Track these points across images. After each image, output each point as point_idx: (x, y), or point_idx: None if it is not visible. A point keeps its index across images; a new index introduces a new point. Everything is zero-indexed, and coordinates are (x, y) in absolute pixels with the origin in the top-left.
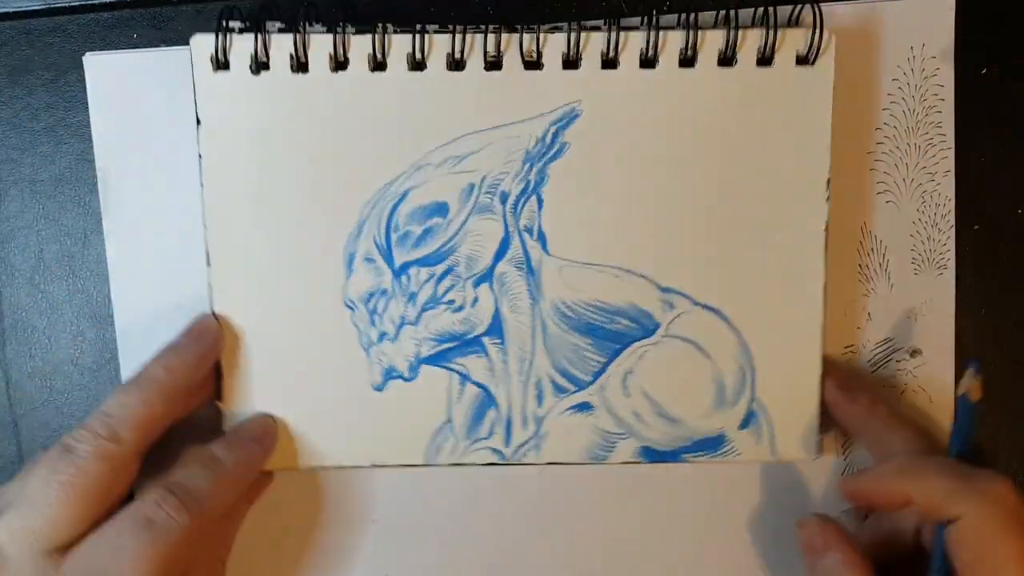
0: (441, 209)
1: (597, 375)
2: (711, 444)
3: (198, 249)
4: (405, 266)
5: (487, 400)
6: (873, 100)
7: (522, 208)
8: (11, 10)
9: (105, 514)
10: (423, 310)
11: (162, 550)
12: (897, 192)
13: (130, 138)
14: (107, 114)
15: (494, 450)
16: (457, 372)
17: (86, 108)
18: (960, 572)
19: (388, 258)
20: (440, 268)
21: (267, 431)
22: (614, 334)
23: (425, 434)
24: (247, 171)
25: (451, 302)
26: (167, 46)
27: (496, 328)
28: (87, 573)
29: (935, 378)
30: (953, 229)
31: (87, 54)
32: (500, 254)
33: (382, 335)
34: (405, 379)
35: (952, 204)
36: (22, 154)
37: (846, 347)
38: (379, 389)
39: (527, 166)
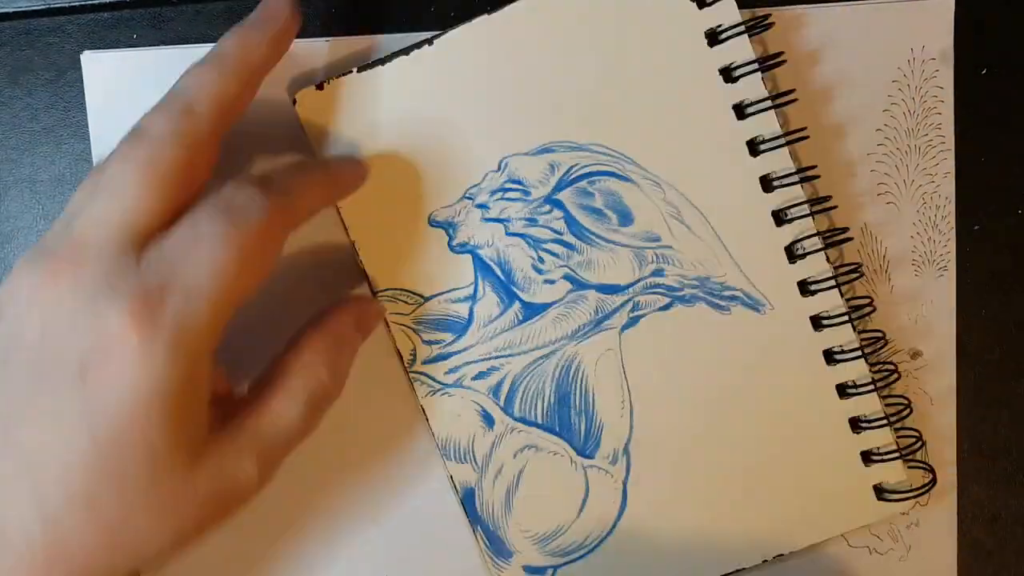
0: (626, 217)
1: (519, 420)
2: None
3: None
4: (558, 204)
5: (459, 328)
6: (873, 102)
7: (642, 312)
8: (11, 10)
9: (186, 202)
10: (523, 237)
11: (242, 234)
12: (897, 193)
13: None
14: (106, 114)
15: (414, 351)
16: (476, 288)
17: (86, 108)
18: None
19: (559, 186)
20: (569, 238)
21: (359, 162)
22: (566, 423)
23: (404, 282)
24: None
25: (540, 260)
26: (167, 46)
27: (531, 311)
28: (170, 259)
29: (936, 379)
30: (953, 230)
31: (85, 52)
32: (602, 288)
33: (483, 205)
34: (449, 244)
35: (952, 205)
36: (22, 154)
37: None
38: (431, 223)
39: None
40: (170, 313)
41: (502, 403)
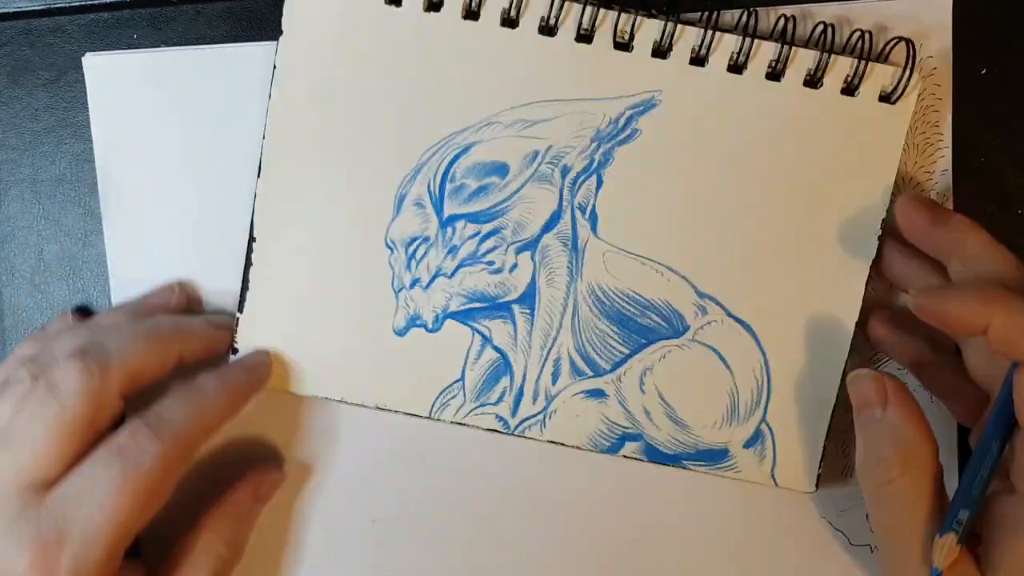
0: (501, 170)
1: (617, 365)
2: (713, 456)
3: (198, 248)
4: (453, 218)
5: (503, 367)
6: None
7: (580, 185)
8: (11, 10)
9: (88, 449)
10: (461, 265)
11: (135, 479)
12: (896, 191)
13: (130, 138)
14: (107, 114)
15: (499, 417)
16: (480, 333)
17: (86, 108)
18: (1021, 418)
19: (438, 207)
20: (487, 227)
21: (260, 363)
22: (643, 328)
23: (435, 387)
24: (319, 91)
25: (490, 263)
26: (167, 46)
27: (528, 298)
28: (67, 506)
29: None
30: None
31: (86, 54)
32: (548, 226)
33: (415, 281)
34: (428, 329)
35: (951, 204)
36: (22, 154)
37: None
38: (400, 334)
39: (594, 145)
40: (67, 559)
41: (589, 372)
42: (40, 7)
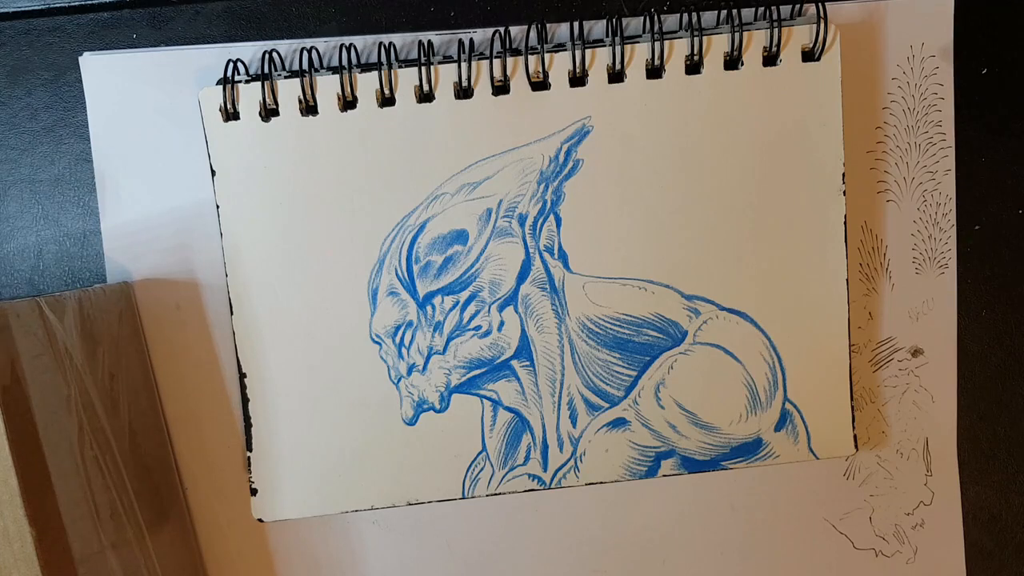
0: (461, 237)
1: (629, 389)
2: (749, 449)
3: (196, 249)
4: (429, 296)
5: (520, 425)
6: (873, 99)
7: (541, 228)
8: (11, 10)
9: None
10: (450, 339)
11: None
12: (898, 191)
13: (128, 138)
14: (105, 114)
15: (532, 476)
16: (488, 399)
17: (86, 108)
18: None
19: (411, 290)
20: (464, 295)
21: None
22: (642, 346)
23: (461, 466)
24: (265, 217)
25: (477, 328)
26: (166, 46)
27: (524, 350)
28: None
29: (937, 377)
30: (954, 228)
31: (84, 54)
32: (523, 276)
33: (411, 367)
34: (437, 410)
35: (953, 203)
36: (22, 154)
37: (848, 346)
38: (411, 423)
39: (542, 186)
40: None
41: (604, 405)
42: (40, 7)
